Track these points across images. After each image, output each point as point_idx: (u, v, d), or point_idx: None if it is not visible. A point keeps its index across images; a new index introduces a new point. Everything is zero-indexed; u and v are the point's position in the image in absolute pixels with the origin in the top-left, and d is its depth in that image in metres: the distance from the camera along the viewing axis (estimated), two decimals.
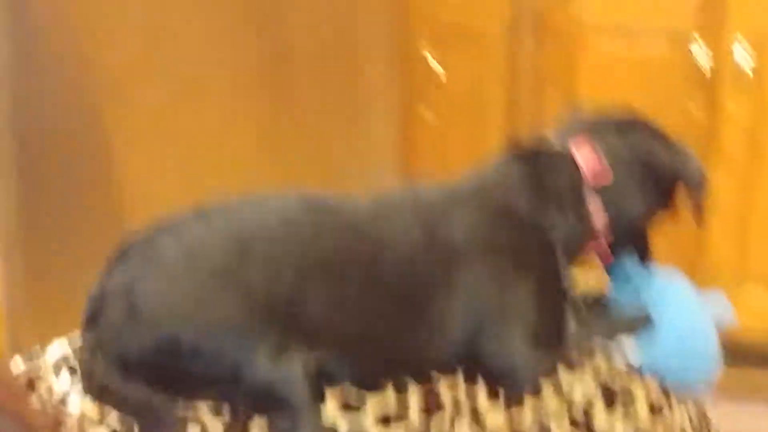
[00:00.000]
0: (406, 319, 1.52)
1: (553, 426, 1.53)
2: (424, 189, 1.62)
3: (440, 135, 3.27)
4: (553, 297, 1.59)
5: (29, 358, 1.57)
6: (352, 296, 1.49)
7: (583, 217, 1.64)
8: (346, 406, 1.49)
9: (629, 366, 1.64)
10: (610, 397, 1.58)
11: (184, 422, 1.41)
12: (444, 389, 1.53)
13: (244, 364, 1.41)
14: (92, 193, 2.54)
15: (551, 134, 1.69)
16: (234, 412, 1.45)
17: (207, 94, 2.71)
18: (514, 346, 1.54)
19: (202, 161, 2.73)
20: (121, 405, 1.41)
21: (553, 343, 1.58)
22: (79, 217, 2.50)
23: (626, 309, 1.70)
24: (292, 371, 1.42)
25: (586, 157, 1.62)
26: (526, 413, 1.54)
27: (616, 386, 1.60)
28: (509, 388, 1.54)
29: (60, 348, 1.56)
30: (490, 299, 1.54)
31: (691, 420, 1.64)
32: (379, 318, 1.50)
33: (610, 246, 1.69)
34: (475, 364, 1.55)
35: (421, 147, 3.26)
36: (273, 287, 1.44)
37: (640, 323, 1.65)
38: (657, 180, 1.67)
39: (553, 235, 1.61)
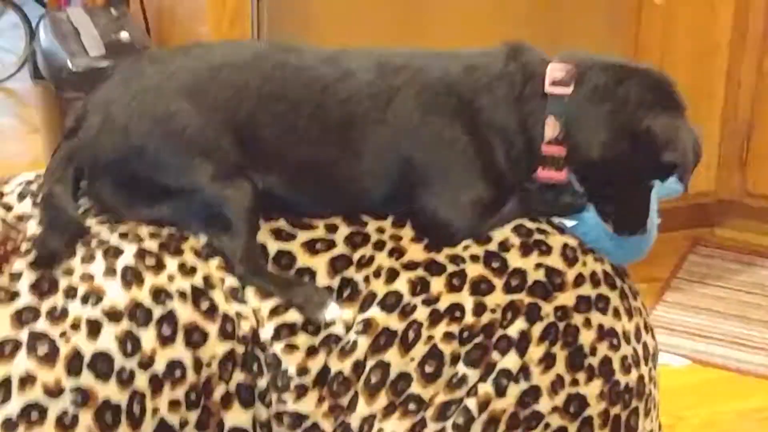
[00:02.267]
0: (348, 151, 1.63)
1: (466, 256, 1.62)
2: (397, 51, 1.71)
3: (669, 17, 3.16)
4: (487, 174, 1.64)
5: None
6: (301, 125, 1.62)
7: (529, 120, 1.64)
8: (278, 233, 1.61)
9: (552, 222, 1.70)
10: (526, 244, 1.65)
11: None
12: (372, 228, 1.64)
13: (198, 178, 1.56)
14: None
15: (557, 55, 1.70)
16: (181, 232, 1.58)
17: None
18: (455, 209, 1.63)
19: None
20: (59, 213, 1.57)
21: (486, 216, 1.66)
22: None
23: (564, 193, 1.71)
24: (239, 192, 1.56)
25: (555, 68, 1.64)
26: (444, 250, 1.63)
27: (534, 235, 1.67)
28: (438, 240, 1.64)
29: (28, 176, 1.70)
30: (429, 156, 1.63)
31: (605, 272, 1.68)
32: (325, 147, 1.63)
33: (598, 199, 1.68)
34: (410, 214, 1.65)
35: (648, 29, 3.16)
36: (234, 109, 1.59)
37: (575, 205, 1.69)
38: (629, 137, 1.61)
39: (485, 118, 1.63)
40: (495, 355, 1.60)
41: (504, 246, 1.64)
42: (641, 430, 1.70)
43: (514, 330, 1.61)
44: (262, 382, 1.54)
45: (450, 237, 1.63)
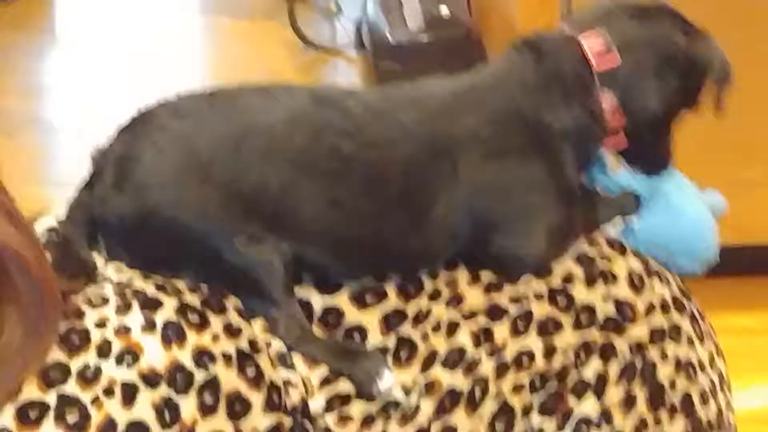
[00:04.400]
0: (405, 221, 1.47)
1: (530, 294, 1.49)
2: (430, 86, 1.54)
3: None
4: (561, 195, 1.52)
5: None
6: (347, 198, 1.45)
7: (592, 107, 1.52)
8: (323, 287, 1.46)
9: (613, 242, 1.57)
10: (590, 274, 1.52)
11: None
12: (425, 277, 1.48)
13: (222, 247, 1.41)
14: None
15: (563, 25, 1.56)
16: (211, 289, 1.42)
17: None
18: (531, 242, 1.50)
19: None
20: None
21: (562, 239, 1.53)
22: None
23: (615, 195, 1.62)
24: (268, 258, 1.42)
25: (590, 41, 1.51)
26: (505, 291, 1.49)
27: (597, 264, 1.53)
28: (512, 274, 1.50)
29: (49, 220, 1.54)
30: (498, 200, 1.50)
31: (673, 296, 1.55)
32: (377, 221, 1.47)
33: (632, 145, 1.58)
34: (477, 256, 1.50)
35: None
36: (263, 184, 1.42)
37: (630, 204, 1.61)
38: (675, 69, 1.55)
39: (557, 131, 1.51)
40: (571, 401, 1.48)
41: (568, 279, 1.52)
42: None
43: (589, 372, 1.49)
44: None
45: (531, 269, 1.52)
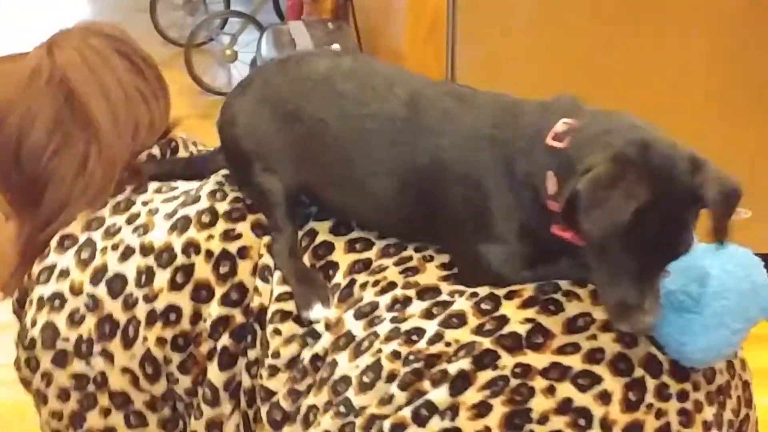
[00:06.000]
0: (380, 192, 1.61)
1: (468, 291, 1.55)
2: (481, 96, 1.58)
3: None
4: (519, 229, 1.51)
5: None
6: (348, 159, 1.61)
7: (536, 178, 1.47)
8: (337, 228, 1.66)
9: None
10: (535, 298, 1.51)
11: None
12: (411, 245, 1.62)
13: (249, 170, 1.64)
14: None
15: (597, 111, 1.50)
16: (250, 204, 1.67)
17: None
18: (456, 257, 1.58)
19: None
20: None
21: (521, 266, 1.53)
22: None
23: None
24: (271, 187, 1.63)
25: (562, 121, 1.46)
26: (455, 284, 1.57)
27: (555, 295, 1.51)
28: (473, 282, 1.55)
29: None
30: (464, 207, 1.54)
31: (621, 356, 1.47)
32: (364, 187, 1.62)
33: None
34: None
35: None
36: (295, 113, 1.62)
37: None
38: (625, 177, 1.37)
39: (514, 178, 1.49)
40: (426, 384, 1.49)
41: (512, 294, 1.53)
42: None
43: (454, 367, 1.48)
44: (252, 354, 1.63)
45: (484, 280, 1.55)
